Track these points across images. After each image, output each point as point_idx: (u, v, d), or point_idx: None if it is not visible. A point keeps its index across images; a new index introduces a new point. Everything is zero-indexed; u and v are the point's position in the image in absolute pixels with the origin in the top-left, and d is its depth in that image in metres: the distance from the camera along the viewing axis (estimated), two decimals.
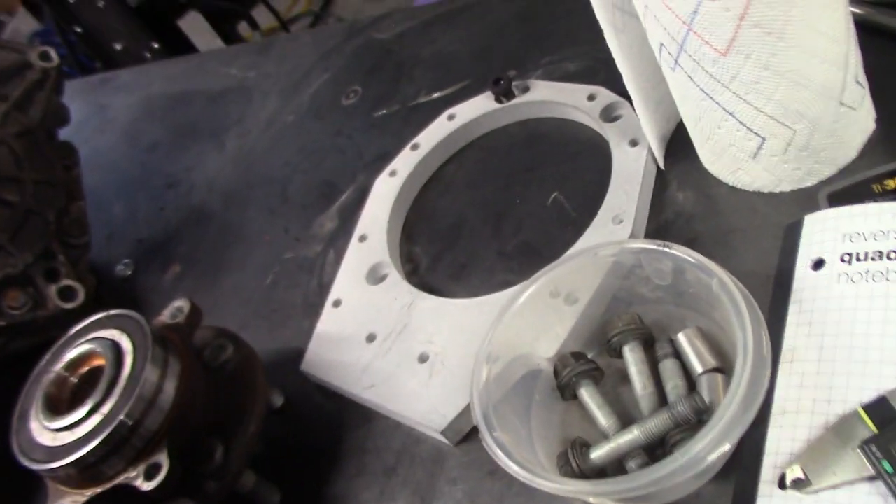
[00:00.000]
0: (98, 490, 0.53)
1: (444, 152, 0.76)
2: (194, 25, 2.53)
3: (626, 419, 0.50)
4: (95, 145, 1.14)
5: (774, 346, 0.46)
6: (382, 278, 0.67)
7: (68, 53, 2.39)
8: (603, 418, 0.50)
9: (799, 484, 0.41)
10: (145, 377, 0.54)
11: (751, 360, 0.42)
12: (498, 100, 0.74)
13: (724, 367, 0.48)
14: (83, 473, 0.53)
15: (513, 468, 0.45)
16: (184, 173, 0.99)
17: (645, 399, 0.49)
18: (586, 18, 0.74)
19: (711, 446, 0.41)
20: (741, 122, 0.52)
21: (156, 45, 2.35)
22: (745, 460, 0.44)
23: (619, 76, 0.58)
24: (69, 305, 0.79)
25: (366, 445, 0.60)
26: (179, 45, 2.41)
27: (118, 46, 2.39)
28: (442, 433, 0.55)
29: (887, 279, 0.45)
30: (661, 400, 0.49)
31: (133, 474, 0.53)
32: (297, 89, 0.99)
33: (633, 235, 0.58)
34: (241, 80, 1.08)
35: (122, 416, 0.52)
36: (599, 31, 0.56)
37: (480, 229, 0.69)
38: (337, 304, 0.68)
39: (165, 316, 0.62)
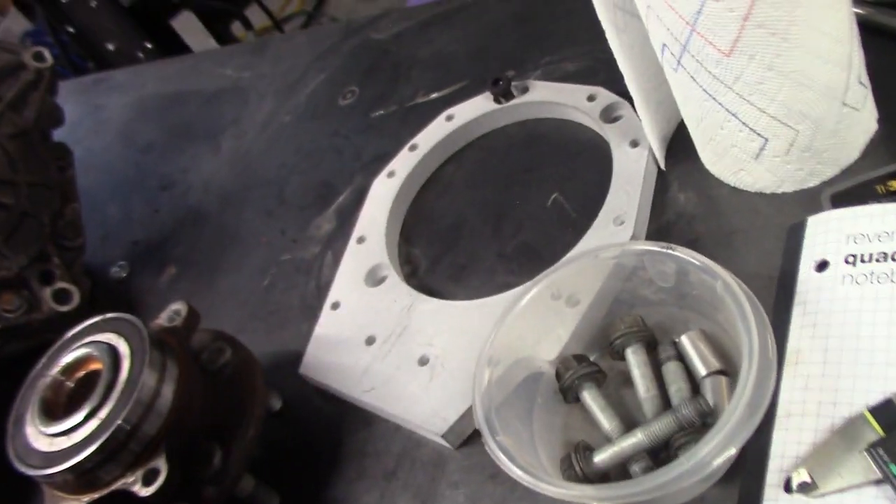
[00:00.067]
0: (95, 496, 0.53)
1: (443, 153, 0.75)
2: (187, 25, 2.52)
3: (629, 422, 0.50)
4: (89, 146, 1.13)
5: (778, 348, 0.46)
6: (381, 280, 0.67)
7: (60, 53, 2.38)
8: (606, 421, 0.49)
9: (805, 488, 0.41)
10: (143, 381, 0.53)
11: (756, 363, 0.42)
12: (497, 100, 0.73)
13: (727, 370, 0.48)
14: (80, 479, 0.52)
15: (516, 473, 0.44)
16: (179, 174, 0.99)
17: (648, 402, 0.49)
18: (585, 18, 0.74)
19: (717, 450, 0.40)
20: (744, 123, 0.51)
21: (149, 46, 2.34)
22: (749, 464, 0.44)
23: (618, 76, 0.58)
24: (64, 308, 0.78)
25: (365, 449, 0.60)
26: (172, 46, 2.40)
27: (111, 46, 2.38)
28: (443, 437, 0.55)
29: (892, 281, 0.45)
30: (665, 403, 0.49)
31: (131, 480, 0.52)
32: (293, 90, 0.98)
33: (634, 237, 0.57)
34: (236, 81, 1.08)
35: (119, 421, 0.52)
36: (598, 31, 0.55)
37: (480, 230, 0.69)
38: (335, 306, 0.67)
39: (163, 319, 0.61)
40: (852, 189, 0.51)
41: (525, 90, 0.73)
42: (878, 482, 0.39)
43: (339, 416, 0.63)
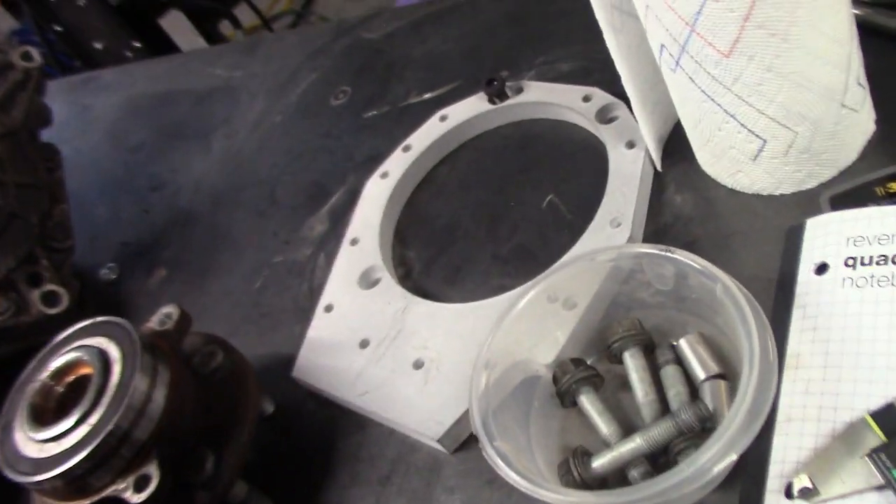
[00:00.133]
0: (86, 503, 0.52)
1: (437, 154, 0.75)
2: (176, 24, 2.50)
3: (627, 427, 0.49)
4: (78, 146, 1.11)
5: (778, 351, 0.45)
6: (375, 282, 0.66)
7: (47, 52, 2.36)
8: (604, 426, 0.49)
9: (806, 493, 0.40)
10: (134, 386, 0.52)
11: (757, 367, 0.41)
12: (491, 101, 0.73)
13: (726, 374, 0.48)
14: (70, 486, 0.51)
15: (515, 479, 0.44)
16: (169, 175, 0.97)
17: (646, 406, 0.49)
18: (579, 18, 0.73)
19: (718, 457, 0.40)
20: (742, 125, 0.51)
21: (137, 45, 2.32)
22: (750, 469, 0.43)
23: (613, 77, 0.58)
24: (53, 311, 0.77)
25: (359, 453, 0.59)
26: (161, 45, 2.38)
27: (98, 45, 2.37)
28: (438, 441, 0.54)
29: (893, 284, 0.45)
30: (663, 407, 0.48)
31: (122, 486, 0.51)
32: (284, 90, 0.98)
33: (631, 239, 0.57)
34: (226, 80, 1.07)
35: (110, 427, 0.51)
36: (593, 32, 0.55)
37: (474, 232, 0.68)
38: (329, 308, 0.67)
39: (154, 322, 0.60)
40: (851, 191, 0.50)
41: (519, 90, 0.72)
42: (880, 488, 0.39)
43: (332, 420, 0.62)
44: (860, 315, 0.45)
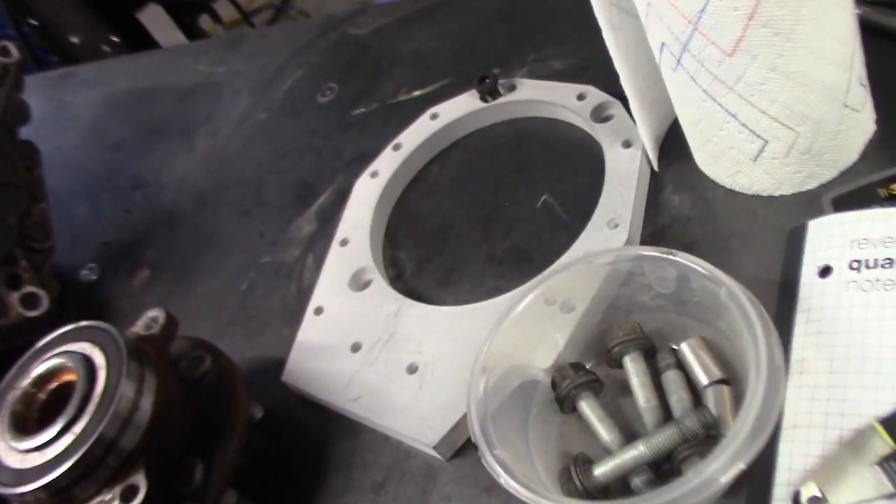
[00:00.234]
0: None
1: (428, 152, 0.73)
2: (154, 18, 2.47)
3: (628, 433, 0.48)
4: (56, 144, 1.09)
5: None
6: (366, 284, 0.65)
7: (23, 47, 2.32)
8: (605, 432, 0.48)
9: (815, 502, 0.39)
10: (121, 393, 0.51)
11: (765, 373, 0.40)
12: (483, 98, 0.72)
13: (729, 379, 0.47)
14: (54, 497, 0.50)
15: (517, 489, 0.43)
16: (151, 173, 0.95)
17: (648, 412, 0.48)
18: (572, 15, 0.73)
19: (725, 466, 0.39)
20: (744, 125, 0.50)
21: (115, 39, 2.29)
22: (755, 476, 0.42)
23: (607, 75, 0.57)
24: (32, 313, 0.75)
25: (352, 460, 0.58)
26: (139, 39, 2.35)
27: (75, 40, 2.33)
28: (434, 448, 0.53)
29: None
30: (665, 413, 0.48)
31: (108, 497, 0.50)
32: (269, 86, 0.96)
33: (629, 240, 0.56)
34: (209, 77, 1.05)
35: (96, 436, 0.49)
36: (586, 29, 0.54)
37: (468, 233, 0.67)
38: (318, 311, 0.65)
39: (139, 327, 0.58)
40: (854, 192, 0.50)
41: (512, 88, 0.71)
42: (890, 496, 0.38)
43: (323, 425, 0.60)
44: (866, 319, 0.44)
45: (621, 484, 0.46)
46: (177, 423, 0.54)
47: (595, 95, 0.65)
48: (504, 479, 0.44)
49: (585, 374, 0.50)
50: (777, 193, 0.54)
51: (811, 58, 0.47)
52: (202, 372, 0.58)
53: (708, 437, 0.44)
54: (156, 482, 0.50)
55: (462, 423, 0.53)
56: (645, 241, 0.57)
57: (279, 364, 0.64)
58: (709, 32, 0.46)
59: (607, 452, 0.47)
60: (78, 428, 0.50)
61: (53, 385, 0.54)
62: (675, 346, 0.49)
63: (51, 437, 0.50)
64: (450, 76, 0.81)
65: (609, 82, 0.65)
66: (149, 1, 2.44)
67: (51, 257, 0.82)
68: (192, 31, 2.55)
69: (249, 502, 0.56)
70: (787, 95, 0.48)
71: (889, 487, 0.38)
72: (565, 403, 0.50)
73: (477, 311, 0.58)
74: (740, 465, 0.39)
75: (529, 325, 0.51)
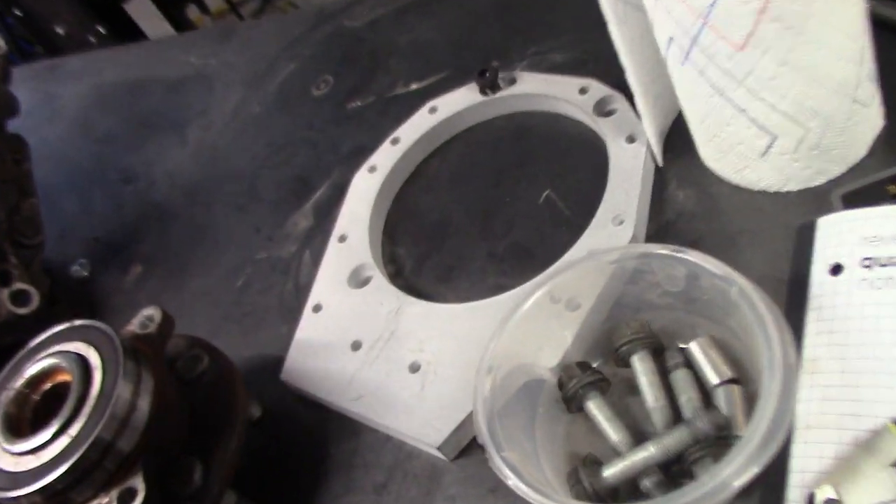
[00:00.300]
0: None
1: (427, 147, 0.72)
2: (141, 9, 2.44)
3: (636, 433, 0.47)
4: (44, 136, 1.07)
5: None
6: (366, 281, 0.64)
7: (7, 37, 2.29)
8: (613, 433, 0.47)
9: None
10: (117, 394, 0.49)
11: (780, 375, 0.40)
12: (483, 92, 0.70)
13: (740, 378, 0.46)
14: (49, 501, 0.48)
15: (527, 492, 0.42)
16: (142, 167, 0.94)
17: (657, 412, 0.47)
18: (570, 7, 0.72)
19: (740, 470, 0.38)
20: (752, 120, 0.49)
21: (101, 30, 2.26)
22: (768, 478, 0.42)
23: (609, 68, 0.56)
24: (23, 311, 0.73)
25: (353, 461, 0.57)
26: (126, 30, 2.32)
27: (61, 30, 2.30)
28: (438, 448, 0.52)
29: None
30: (674, 413, 0.47)
31: (105, 501, 0.49)
32: (262, 79, 0.94)
33: (634, 236, 0.55)
34: (200, 69, 1.03)
35: (93, 438, 0.48)
36: (586, 21, 0.53)
37: (468, 229, 0.66)
38: (317, 308, 0.64)
39: (135, 325, 0.57)
40: (864, 189, 0.49)
41: (512, 82, 0.70)
42: None
43: (323, 425, 0.59)
44: (878, 318, 0.43)
45: (630, 485, 0.45)
46: (174, 424, 0.53)
47: (597, 89, 0.64)
48: (513, 482, 0.43)
49: (592, 374, 0.49)
50: (784, 189, 0.53)
51: (822, 52, 0.46)
52: (200, 371, 0.57)
53: (719, 438, 0.44)
54: (154, 485, 0.49)
55: (466, 422, 0.52)
56: (650, 237, 0.57)
57: (277, 362, 0.63)
58: (719, 27, 0.45)
59: (615, 453, 0.47)
60: (74, 430, 0.49)
61: (47, 386, 0.53)
62: (683, 345, 0.49)
63: (46, 439, 0.49)
64: (448, 69, 0.79)
65: (610, 76, 0.64)
66: None
67: (41, 253, 0.80)
68: (179, 22, 2.52)
69: (249, 503, 0.55)
70: (797, 90, 0.47)
71: None
72: (572, 403, 0.49)
73: (480, 309, 0.57)
74: (755, 469, 0.38)
75: (535, 323, 0.50)
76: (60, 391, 0.52)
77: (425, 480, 0.53)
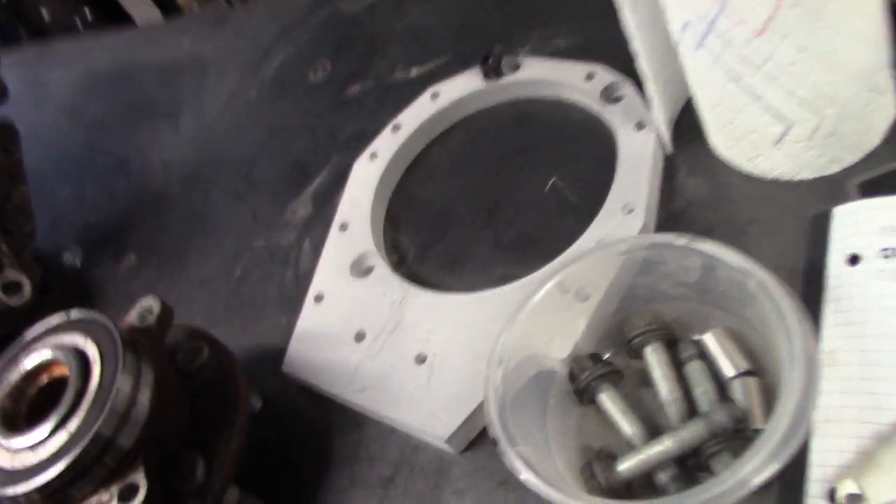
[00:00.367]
0: None
1: (429, 134, 0.71)
2: None
3: (649, 426, 0.46)
4: (32, 123, 1.04)
5: None
6: (368, 270, 0.63)
7: None
8: (627, 426, 0.46)
9: (854, 500, 0.38)
10: (117, 388, 0.48)
11: (801, 369, 0.39)
12: (486, 77, 0.69)
13: (756, 370, 0.45)
14: (48, 499, 0.47)
15: (541, 487, 0.41)
16: (135, 154, 0.92)
17: (672, 405, 0.46)
18: None
19: (761, 467, 0.37)
20: (767, 107, 0.48)
21: (87, 14, 2.22)
22: (788, 473, 0.41)
23: (615, 54, 0.55)
24: (14, 301, 0.72)
25: (358, 453, 0.56)
26: (113, 14, 2.28)
27: (45, 13, 2.26)
28: (447, 441, 0.51)
29: None
30: (689, 406, 0.46)
31: (106, 497, 0.48)
32: (257, 64, 0.93)
33: (644, 225, 0.54)
34: (193, 54, 1.01)
35: (92, 434, 0.47)
36: (591, 6, 0.52)
37: (472, 217, 0.65)
38: (319, 298, 0.63)
39: (133, 317, 0.56)
40: (881, 177, 0.48)
41: (516, 67, 0.69)
42: None
43: (326, 417, 0.58)
44: None
45: (645, 480, 0.45)
46: (175, 418, 0.52)
47: (604, 75, 0.63)
48: (526, 476, 0.42)
49: (604, 366, 0.48)
50: (797, 178, 0.53)
51: (841, 37, 0.45)
52: (200, 363, 0.55)
53: (736, 432, 0.43)
54: (155, 480, 0.48)
55: (475, 414, 0.51)
56: (659, 226, 0.56)
57: (277, 353, 0.62)
58: (737, 12, 0.44)
59: (629, 446, 0.46)
60: (72, 425, 0.48)
61: (44, 379, 0.52)
62: (696, 336, 0.48)
63: (44, 435, 0.48)
64: (447, 54, 0.78)
65: (615, 61, 0.63)
66: None
67: (32, 241, 0.79)
68: (167, 6, 2.48)
69: (252, 499, 0.54)
70: (815, 76, 0.46)
71: None
72: (584, 395, 0.48)
73: (488, 299, 0.56)
74: (776, 466, 0.37)
75: (545, 314, 0.49)
76: (58, 385, 0.50)
77: (433, 474, 0.52)
